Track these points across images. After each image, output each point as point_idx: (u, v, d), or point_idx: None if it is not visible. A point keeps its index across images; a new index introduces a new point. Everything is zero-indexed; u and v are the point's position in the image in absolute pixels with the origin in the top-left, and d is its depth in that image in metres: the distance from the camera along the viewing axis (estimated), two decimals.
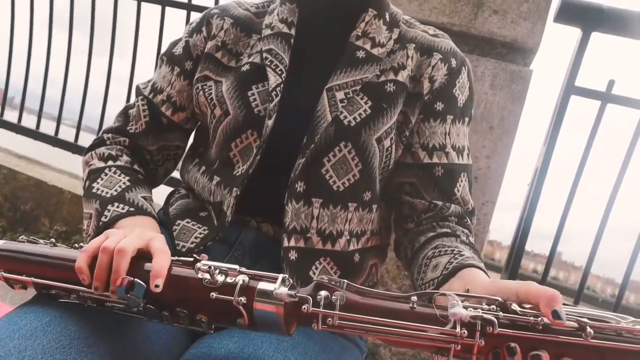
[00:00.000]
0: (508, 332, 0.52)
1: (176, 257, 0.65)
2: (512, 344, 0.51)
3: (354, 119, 0.85)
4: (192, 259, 0.63)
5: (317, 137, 0.83)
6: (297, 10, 0.94)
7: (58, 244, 0.70)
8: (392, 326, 0.54)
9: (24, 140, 2.48)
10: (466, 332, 0.52)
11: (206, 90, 0.91)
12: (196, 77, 0.94)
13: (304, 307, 0.56)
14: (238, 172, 0.87)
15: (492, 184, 1.50)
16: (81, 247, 0.68)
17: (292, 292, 0.58)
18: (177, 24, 2.14)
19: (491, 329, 0.52)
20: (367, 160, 0.86)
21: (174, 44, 1.00)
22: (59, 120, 2.43)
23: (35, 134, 2.44)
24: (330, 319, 0.56)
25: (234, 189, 0.85)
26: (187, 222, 0.90)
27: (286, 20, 0.92)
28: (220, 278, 0.59)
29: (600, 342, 0.50)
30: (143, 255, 0.64)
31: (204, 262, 0.62)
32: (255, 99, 0.86)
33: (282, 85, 0.85)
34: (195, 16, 1.99)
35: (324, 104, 0.85)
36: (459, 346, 0.53)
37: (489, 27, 1.54)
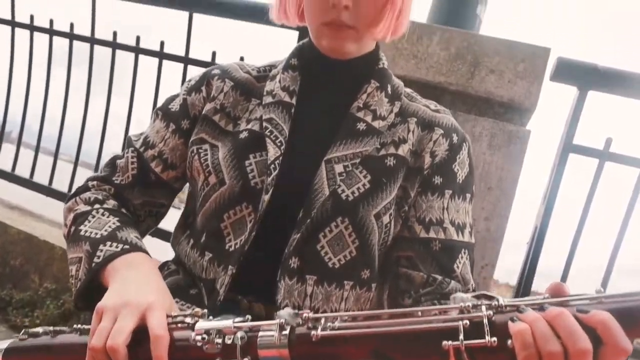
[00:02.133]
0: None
1: (172, 319, 0.64)
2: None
3: (352, 193, 0.83)
4: (189, 321, 0.63)
5: (313, 211, 0.81)
6: (299, 78, 0.93)
7: (57, 329, 0.70)
8: (399, 324, 0.55)
9: (17, 188, 2.46)
10: (471, 305, 0.54)
11: (202, 154, 0.89)
12: (192, 139, 0.92)
13: (312, 333, 0.57)
14: (231, 246, 0.84)
15: (492, 246, 1.48)
16: (80, 328, 0.68)
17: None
18: (174, 71, 2.15)
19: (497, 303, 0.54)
20: (365, 236, 0.84)
21: (171, 99, 0.98)
22: (53, 169, 2.40)
23: (28, 183, 2.41)
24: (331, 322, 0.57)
25: (229, 266, 0.82)
26: (176, 302, 0.87)
27: (288, 89, 0.91)
28: (218, 340, 0.59)
29: None
30: (140, 332, 0.63)
31: (199, 326, 0.62)
32: (252, 170, 0.84)
33: (280, 158, 0.84)
34: (192, 69, 2.02)
35: (322, 177, 0.83)
36: (467, 323, 0.53)
37: (486, 87, 1.53)
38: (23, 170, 2.46)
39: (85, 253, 0.79)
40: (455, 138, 0.91)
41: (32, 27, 2.39)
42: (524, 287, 1.63)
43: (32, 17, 2.41)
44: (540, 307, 0.53)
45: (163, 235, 1.96)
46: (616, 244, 1.66)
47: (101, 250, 0.78)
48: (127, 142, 0.98)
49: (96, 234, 0.81)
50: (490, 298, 0.55)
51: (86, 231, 0.82)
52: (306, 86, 0.93)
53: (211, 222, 0.86)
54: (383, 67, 0.94)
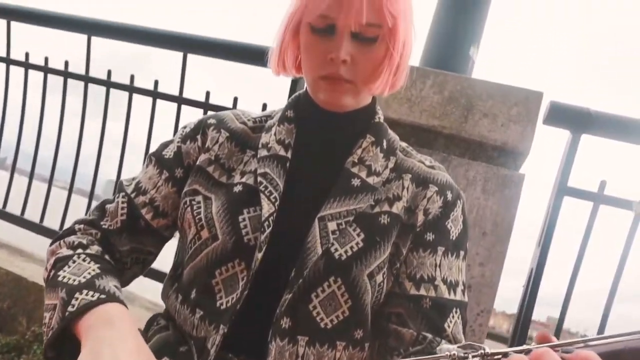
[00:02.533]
0: None
1: None
2: None
3: (345, 252, 0.81)
4: None
5: (305, 271, 0.80)
6: (295, 130, 0.92)
7: None
8: None
9: (8, 225, 2.43)
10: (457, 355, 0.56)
11: (194, 206, 0.87)
12: (185, 190, 0.90)
13: None
14: (222, 304, 0.82)
15: (487, 292, 1.46)
16: None
17: None
18: (168, 110, 2.15)
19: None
20: (358, 296, 0.82)
21: (165, 145, 0.97)
22: (45, 205, 2.38)
23: (19, 221, 2.39)
24: None
25: (221, 325, 0.80)
26: None
27: (283, 142, 0.90)
28: None
29: None
30: None
31: None
32: (246, 225, 0.82)
33: (274, 214, 0.82)
34: (186, 109, 2.02)
35: (315, 235, 0.82)
36: None
37: (480, 131, 1.53)
38: (14, 206, 2.44)
39: (60, 300, 0.76)
40: (449, 195, 0.90)
41: (27, 65, 2.40)
42: (519, 334, 1.61)
43: (27, 55, 2.41)
44: (527, 353, 0.53)
45: (157, 275, 1.94)
46: (612, 287, 1.64)
47: (76, 299, 0.75)
48: (119, 187, 0.96)
49: (74, 280, 0.78)
50: (477, 348, 0.55)
51: (64, 277, 0.80)
52: (302, 139, 0.92)
53: (202, 278, 0.84)
54: (379, 121, 0.94)
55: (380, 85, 0.86)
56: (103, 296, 0.75)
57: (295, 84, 1.77)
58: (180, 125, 2.04)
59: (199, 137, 0.94)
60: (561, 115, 1.57)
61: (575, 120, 1.57)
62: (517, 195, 1.50)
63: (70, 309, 0.74)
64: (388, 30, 0.82)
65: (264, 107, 1.88)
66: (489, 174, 1.51)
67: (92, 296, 0.75)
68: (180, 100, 2.01)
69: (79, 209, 2.16)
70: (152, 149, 1.01)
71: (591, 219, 1.64)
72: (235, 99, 1.93)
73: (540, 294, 1.65)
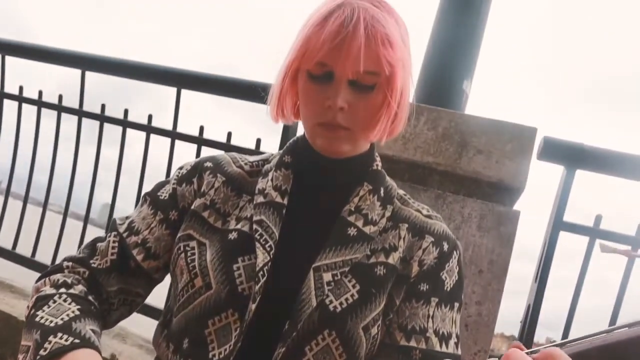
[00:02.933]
0: None
1: None
2: None
3: (340, 304, 0.80)
4: None
5: (299, 324, 0.79)
6: (292, 176, 0.91)
7: None
8: None
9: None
10: None
11: (188, 253, 0.86)
12: (179, 235, 0.89)
13: None
14: (214, 355, 0.81)
15: (484, 331, 1.44)
16: None
17: None
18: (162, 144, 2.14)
19: None
20: (353, 350, 0.81)
21: (161, 185, 0.96)
22: (37, 240, 2.36)
23: (10, 255, 2.36)
24: None
25: None
26: None
27: (280, 188, 0.89)
28: None
29: None
30: None
31: None
32: (240, 275, 0.81)
33: (269, 264, 0.81)
34: (180, 145, 2.01)
35: (309, 286, 0.81)
36: None
37: (474, 167, 1.53)
38: (5, 240, 2.41)
39: (34, 343, 0.75)
40: (445, 246, 0.89)
41: (20, 99, 2.39)
42: None
43: (21, 88, 2.41)
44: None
45: (151, 312, 1.91)
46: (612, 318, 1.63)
47: (49, 342, 0.73)
48: (111, 225, 0.95)
49: (51, 322, 0.77)
50: None
51: (42, 317, 0.78)
52: (298, 185, 0.91)
53: (194, 328, 0.83)
54: (377, 168, 0.93)
55: (378, 133, 0.86)
56: (77, 341, 0.74)
57: (287, 127, 1.77)
58: (175, 163, 2.08)
59: (195, 180, 0.93)
60: (555, 151, 1.57)
61: (569, 155, 1.57)
62: (513, 233, 1.49)
63: (42, 352, 0.73)
64: (385, 79, 0.82)
65: (258, 142, 1.88)
66: (484, 211, 1.50)
67: (66, 340, 0.74)
68: (173, 135, 2.01)
69: (72, 239, 2.15)
70: (147, 179, 1.00)
71: (587, 253, 1.63)
72: (229, 134, 1.93)
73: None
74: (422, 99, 1.76)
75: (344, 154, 0.88)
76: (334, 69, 0.81)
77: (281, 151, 0.96)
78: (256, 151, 1.87)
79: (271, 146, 1.94)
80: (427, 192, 1.54)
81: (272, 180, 0.90)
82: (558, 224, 1.61)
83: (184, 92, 1.95)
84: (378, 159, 0.95)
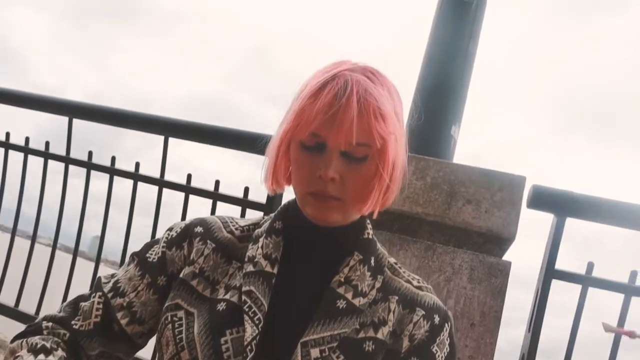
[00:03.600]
0: None
1: None
2: None
3: None
4: None
5: None
6: (282, 243, 0.90)
7: None
8: None
9: None
10: None
11: (176, 324, 0.84)
12: (167, 304, 0.87)
13: None
14: None
15: None
16: None
17: None
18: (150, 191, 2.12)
19: None
20: None
21: (150, 246, 0.94)
22: (21, 290, 2.31)
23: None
24: None
25: None
26: None
27: (270, 257, 0.87)
28: None
29: None
30: None
31: None
32: (228, 348, 0.79)
33: (258, 337, 0.79)
34: (167, 192, 2.00)
35: None
36: None
37: (464, 217, 1.52)
38: None
39: None
40: (436, 319, 0.87)
41: (7, 145, 2.37)
42: None
43: (7, 135, 2.40)
44: None
45: None
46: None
47: None
48: (96, 284, 0.92)
49: None
50: None
51: None
52: (289, 252, 0.90)
53: None
54: (368, 237, 0.92)
55: (370, 206, 0.85)
56: None
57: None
58: (163, 210, 2.06)
59: (185, 245, 0.91)
60: (544, 200, 1.56)
61: (559, 204, 1.56)
62: (505, 284, 1.47)
63: None
64: (377, 150, 0.82)
65: (246, 191, 1.86)
66: (475, 262, 1.48)
67: None
68: (161, 183, 1.99)
69: (62, 271, 2.10)
70: (134, 226, 0.98)
71: (580, 301, 1.62)
72: (217, 182, 1.91)
73: None
74: (410, 147, 1.76)
75: (334, 223, 0.87)
76: (327, 140, 0.81)
77: (272, 215, 0.95)
78: (244, 200, 1.85)
79: (260, 192, 1.92)
80: (416, 243, 1.53)
81: (262, 247, 0.89)
82: (550, 272, 1.59)
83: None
84: (369, 226, 0.94)
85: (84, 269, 2.56)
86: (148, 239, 1.00)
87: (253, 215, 1.85)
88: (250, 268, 0.87)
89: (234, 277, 0.87)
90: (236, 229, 0.94)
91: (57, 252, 2.37)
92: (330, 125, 0.79)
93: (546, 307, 1.60)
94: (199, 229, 0.93)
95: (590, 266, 1.61)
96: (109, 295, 0.90)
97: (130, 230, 2.15)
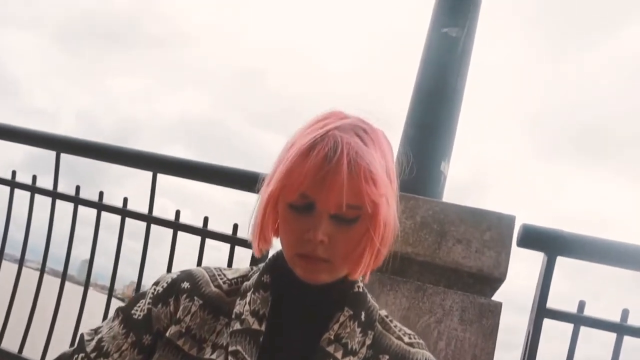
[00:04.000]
0: None
1: None
2: None
3: None
4: None
5: None
6: (270, 298, 0.88)
7: None
8: None
9: None
10: None
11: None
12: None
13: None
14: None
15: None
16: None
17: None
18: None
19: None
20: None
21: (135, 301, 0.92)
22: (4, 327, 2.27)
23: None
24: None
25: None
26: None
27: (257, 313, 0.85)
28: None
29: None
30: None
31: None
32: None
33: None
34: (156, 229, 1.98)
35: None
36: None
37: (454, 257, 1.51)
38: None
39: None
40: None
41: None
42: None
43: None
44: None
45: None
46: None
47: None
48: (79, 343, 0.90)
49: None
50: None
51: None
52: (277, 308, 0.88)
53: None
54: (358, 290, 0.90)
55: (362, 269, 0.83)
56: None
57: None
58: (151, 248, 2.04)
59: (171, 301, 0.89)
60: (534, 238, 1.55)
61: (550, 243, 1.55)
62: (496, 325, 1.46)
63: None
64: (368, 214, 0.80)
65: (235, 227, 1.84)
66: (465, 303, 1.47)
67: None
68: (149, 219, 1.97)
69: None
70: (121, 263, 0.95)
71: (573, 340, 1.60)
72: (206, 219, 1.89)
73: None
74: (399, 184, 1.75)
75: (324, 282, 0.85)
76: (316, 202, 0.79)
77: (260, 267, 0.93)
78: (233, 237, 1.83)
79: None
80: (406, 283, 1.51)
81: (249, 303, 0.87)
82: (541, 312, 1.58)
83: None
84: (360, 279, 0.92)
85: (73, 293, 2.54)
86: (137, 264, 0.98)
87: (242, 253, 1.83)
88: (237, 326, 0.85)
89: (221, 335, 0.86)
90: (224, 282, 0.92)
91: (46, 276, 2.32)
92: (320, 188, 0.78)
93: (538, 347, 1.59)
94: (185, 285, 0.90)
95: (582, 305, 1.60)
96: (92, 355, 0.88)
97: (119, 262, 2.13)
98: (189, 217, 2.00)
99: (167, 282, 0.92)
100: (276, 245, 0.94)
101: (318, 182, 0.78)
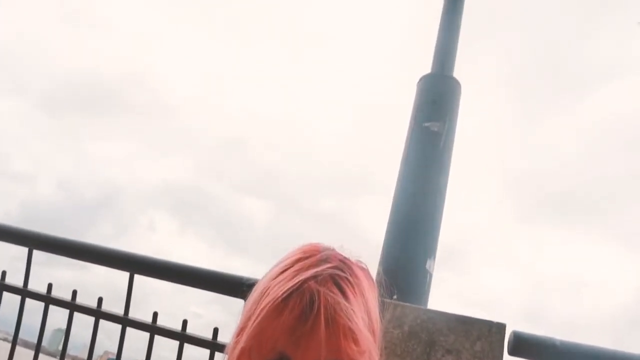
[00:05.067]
0: None
1: None
2: None
3: None
4: None
5: None
6: None
7: None
8: None
9: None
10: None
11: None
12: None
13: None
14: None
15: None
16: None
17: None
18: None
19: None
20: None
21: None
22: None
23: None
24: None
25: None
26: None
27: None
28: None
29: None
30: None
31: None
32: None
33: None
34: (131, 332, 1.88)
35: None
36: None
37: None
38: None
39: None
40: None
41: None
42: None
43: None
44: None
45: None
46: None
47: None
48: None
49: None
50: None
51: None
52: None
53: None
54: None
55: None
56: None
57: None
58: (126, 349, 1.93)
59: None
60: (525, 347, 1.51)
61: (541, 351, 1.51)
62: None
63: None
64: None
65: (215, 332, 1.77)
66: None
67: None
68: (125, 321, 1.88)
69: None
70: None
71: None
72: (185, 322, 1.81)
73: None
74: (385, 286, 1.71)
75: None
76: (293, 359, 0.75)
77: None
78: (213, 342, 1.75)
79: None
80: None
81: None
82: None
83: None
84: None
85: None
86: (112, 333, 0.90)
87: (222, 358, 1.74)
88: None
89: None
90: None
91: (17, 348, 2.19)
92: (296, 347, 0.74)
93: None
94: None
95: None
96: None
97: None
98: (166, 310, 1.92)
99: None
100: None
101: (294, 341, 0.74)
